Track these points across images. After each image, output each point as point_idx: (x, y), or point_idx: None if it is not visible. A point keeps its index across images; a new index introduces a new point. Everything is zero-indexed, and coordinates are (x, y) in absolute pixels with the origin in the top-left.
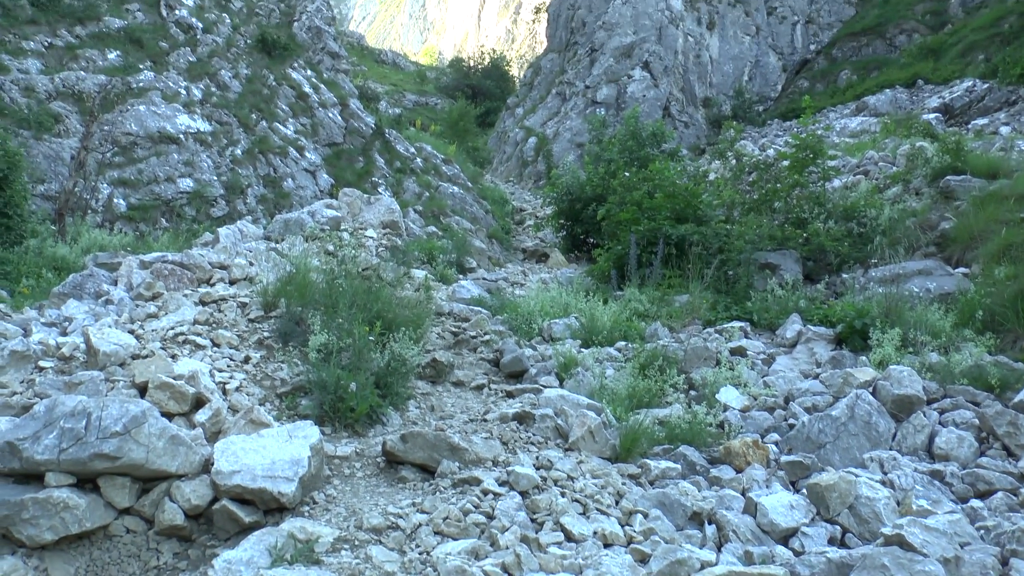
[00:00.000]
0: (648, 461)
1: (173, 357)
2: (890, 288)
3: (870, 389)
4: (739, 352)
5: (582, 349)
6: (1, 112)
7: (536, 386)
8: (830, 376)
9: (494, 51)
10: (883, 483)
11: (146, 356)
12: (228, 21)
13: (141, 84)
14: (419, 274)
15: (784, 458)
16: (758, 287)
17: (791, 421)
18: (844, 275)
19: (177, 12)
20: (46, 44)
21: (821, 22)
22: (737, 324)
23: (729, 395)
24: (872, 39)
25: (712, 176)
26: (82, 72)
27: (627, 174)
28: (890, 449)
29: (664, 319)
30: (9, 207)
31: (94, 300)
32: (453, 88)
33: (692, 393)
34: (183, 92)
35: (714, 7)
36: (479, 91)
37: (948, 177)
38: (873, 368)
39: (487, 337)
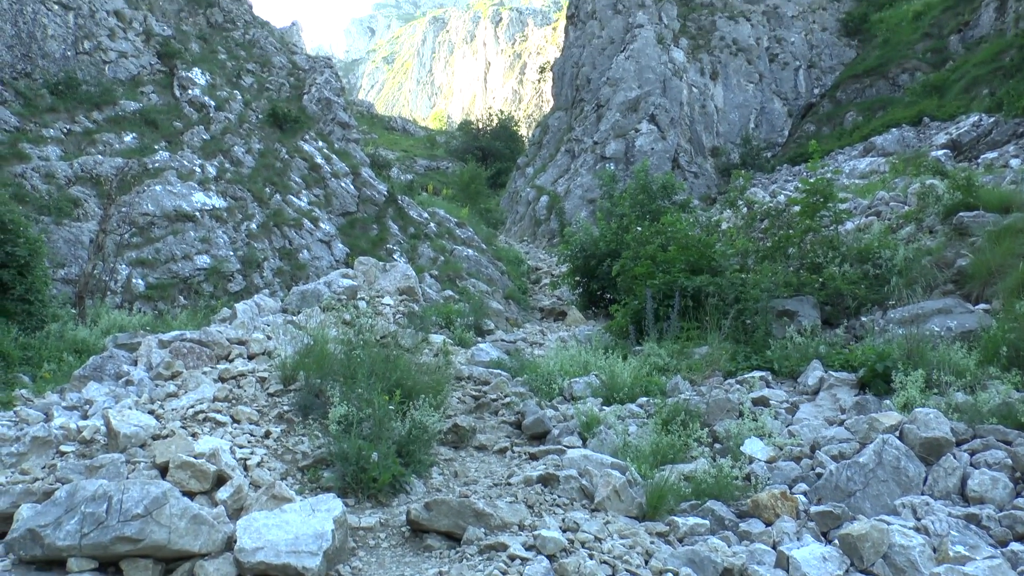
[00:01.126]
0: (676, 518)
1: (194, 435)
2: (910, 329)
3: (896, 433)
4: (762, 402)
5: (604, 407)
6: (23, 199)
7: (559, 447)
8: (855, 422)
9: (502, 112)
10: (917, 530)
11: (166, 436)
12: (239, 98)
13: (157, 164)
14: (437, 339)
15: (814, 508)
16: (777, 335)
17: (818, 470)
18: (863, 318)
19: (190, 92)
20: (65, 130)
21: (823, 66)
22: (758, 374)
23: (754, 446)
24: (875, 79)
25: (724, 225)
26: (99, 156)
27: (640, 228)
28: (922, 494)
29: (684, 372)
30: (31, 293)
31: (114, 381)
32: (463, 151)
33: (717, 446)
34: (198, 170)
35: (716, 57)
36: (489, 152)
37: (961, 213)
38: (898, 412)
39: (508, 399)
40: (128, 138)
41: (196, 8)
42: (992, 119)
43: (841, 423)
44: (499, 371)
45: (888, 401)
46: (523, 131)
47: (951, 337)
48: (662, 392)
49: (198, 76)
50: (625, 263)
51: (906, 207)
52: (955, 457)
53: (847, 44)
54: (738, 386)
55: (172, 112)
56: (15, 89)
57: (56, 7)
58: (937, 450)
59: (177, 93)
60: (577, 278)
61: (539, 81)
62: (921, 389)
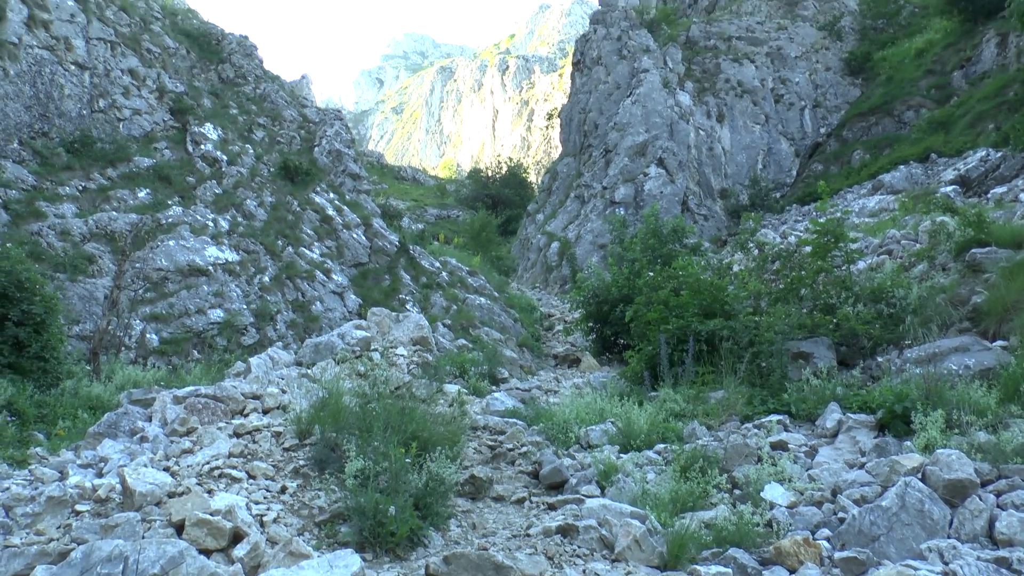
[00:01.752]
0: (698, 567)
1: (209, 492)
2: (927, 368)
3: (919, 475)
4: (780, 446)
5: (621, 454)
6: (39, 257)
7: (578, 496)
8: (876, 465)
9: (511, 159)
10: (945, 574)
11: (182, 493)
12: (251, 151)
13: (170, 219)
14: (452, 389)
15: (837, 554)
16: (793, 377)
17: (841, 515)
18: (879, 358)
19: (202, 147)
20: (80, 188)
21: (828, 105)
22: (775, 417)
23: (774, 492)
24: (880, 117)
25: (736, 268)
26: (114, 212)
27: (651, 274)
28: (948, 537)
29: (701, 417)
30: (46, 350)
31: (129, 438)
32: (473, 199)
33: (736, 492)
34: (211, 224)
35: (722, 99)
36: (499, 200)
37: (973, 250)
38: (919, 453)
39: (524, 449)
40: (142, 194)
41: (208, 64)
42: (999, 154)
43: (861, 466)
44: (515, 420)
45: (908, 442)
46: (532, 178)
47: (969, 376)
48: (679, 438)
49: (210, 131)
50: (638, 308)
51: (917, 245)
52: (981, 499)
53: (851, 83)
54: (755, 430)
55: (185, 167)
56: (32, 148)
57: (73, 67)
58: (962, 492)
59: (190, 148)
60: (590, 324)
61: (547, 127)
62: (942, 429)
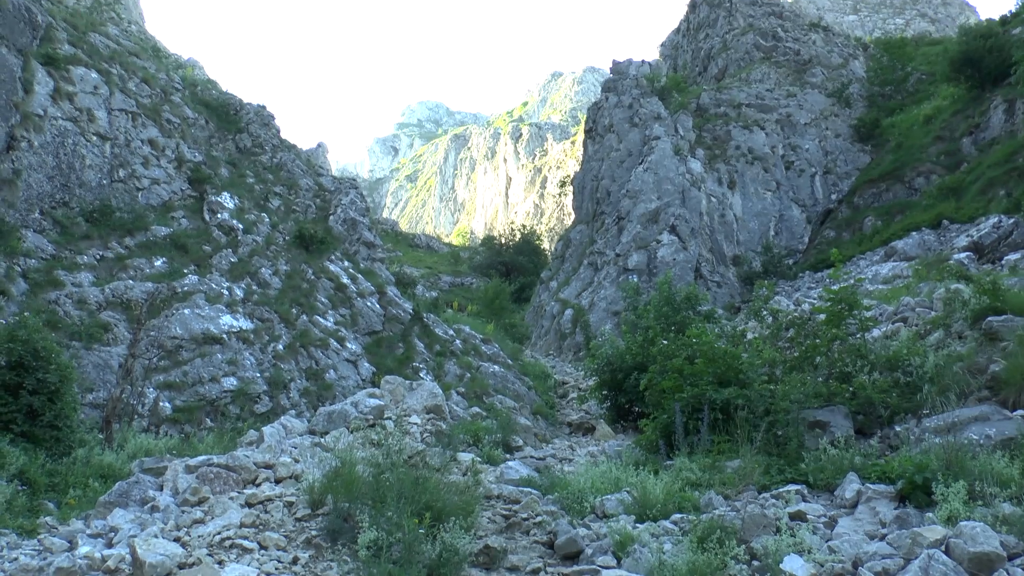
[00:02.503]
0: None
1: (220, 563)
2: (947, 438)
3: (942, 548)
4: (799, 516)
5: (637, 524)
6: (55, 325)
7: (593, 567)
8: (897, 537)
9: (524, 227)
10: None
11: (192, 564)
12: (267, 220)
13: (186, 288)
14: (466, 457)
15: None
16: (810, 446)
17: None
18: (897, 427)
19: (219, 216)
20: (98, 257)
21: (839, 171)
22: (793, 487)
23: (794, 564)
24: (891, 184)
25: (750, 335)
26: (130, 281)
27: (665, 342)
28: None
29: (717, 487)
30: (59, 419)
31: (140, 507)
32: (487, 266)
33: (755, 563)
34: (226, 292)
35: (732, 166)
36: (512, 267)
37: (990, 318)
38: (942, 525)
39: (539, 519)
40: (158, 262)
41: (226, 134)
42: (1012, 220)
43: (882, 538)
44: (529, 489)
45: (930, 514)
46: (545, 245)
47: (991, 445)
48: (696, 508)
49: (227, 200)
50: (652, 377)
51: (932, 312)
52: (1008, 573)
53: (861, 149)
54: (773, 500)
55: (201, 236)
56: (53, 218)
57: (95, 138)
58: (988, 566)
59: (207, 217)
60: (604, 392)
61: (560, 195)
62: (964, 501)
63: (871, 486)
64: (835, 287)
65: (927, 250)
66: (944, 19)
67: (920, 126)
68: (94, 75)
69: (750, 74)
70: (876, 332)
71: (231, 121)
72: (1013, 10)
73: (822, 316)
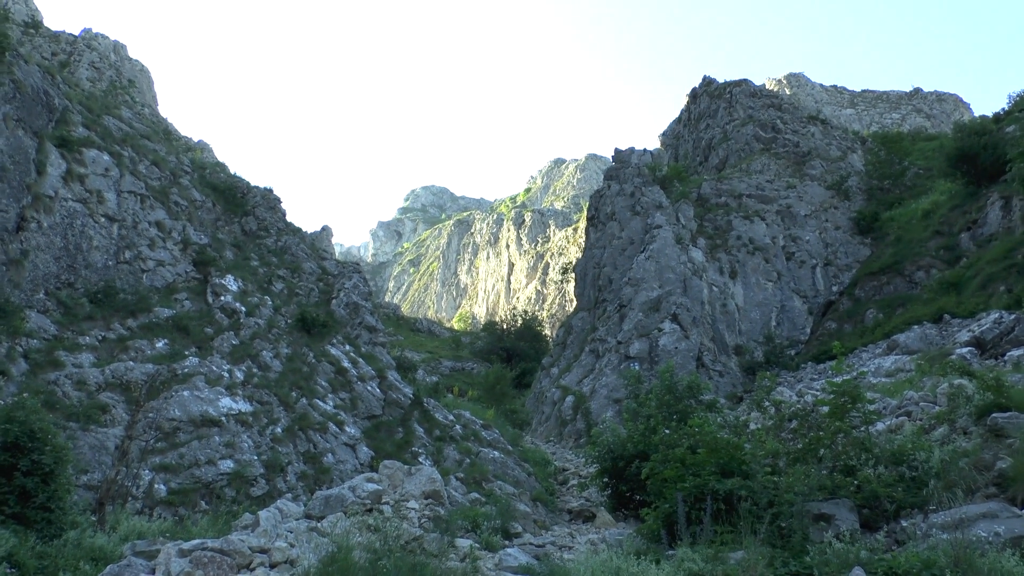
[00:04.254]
0: None
1: None
2: (955, 534)
3: None
4: None
5: None
6: (53, 406)
7: None
8: None
9: (526, 312)
10: None
11: None
12: (270, 303)
13: (186, 370)
14: (464, 543)
15: None
16: (814, 539)
17: None
18: (903, 522)
19: (222, 298)
20: (100, 338)
21: (839, 263)
22: None
23: None
24: (891, 277)
25: (752, 426)
26: (131, 362)
27: (667, 430)
28: None
29: None
30: (52, 500)
31: None
32: (488, 352)
33: None
34: (226, 375)
35: (734, 256)
36: (514, 353)
37: (995, 415)
38: None
39: None
40: (160, 344)
41: (232, 217)
42: (1013, 316)
43: None
44: None
45: None
46: (547, 331)
47: (1000, 543)
48: None
49: (231, 283)
50: (654, 466)
51: (937, 407)
52: None
53: (860, 242)
54: None
55: (204, 318)
56: (57, 299)
57: (103, 219)
58: None
59: (210, 299)
60: (606, 479)
61: (562, 281)
62: None
63: None
64: (838, 379)
65: (929, 344)
66: (939, 115)
67: (919, 220)
68: (106, 157)
69: (750, 165)
70: (880, 426)
71: (238, 204)
72: (1006, 108)
73: (825, 408)
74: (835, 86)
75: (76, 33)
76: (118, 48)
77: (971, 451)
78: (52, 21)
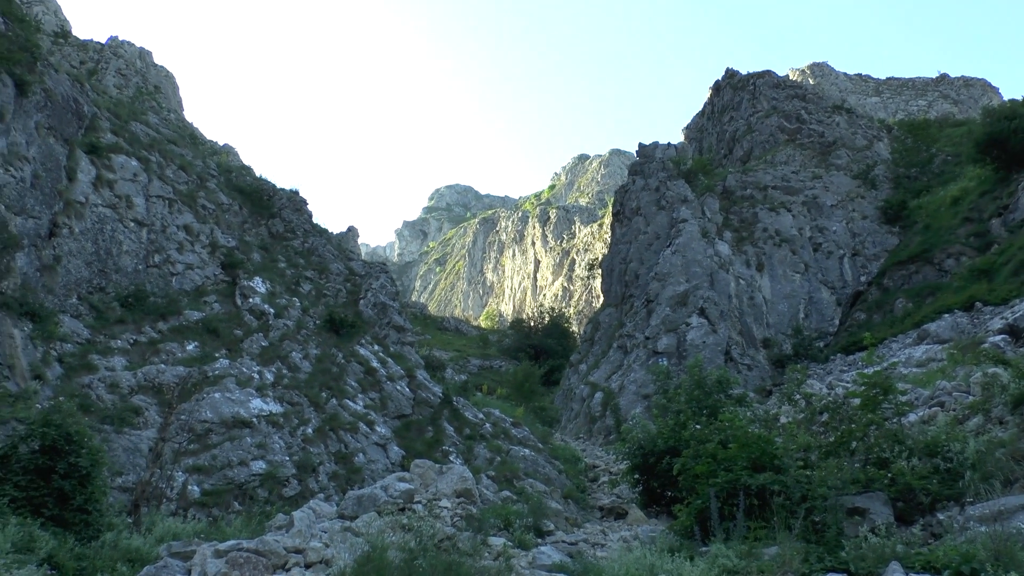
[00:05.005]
0: None
1: None
2: (994, 527)
3: None
4: None
5: None
6: (88, 409)
7: None
8: None
9: (553, 310)
10: None
11: None
12: (298, 304)
13: (217, 372)
14: (497, 542)
15: None
16: (849, 534)
17: None
18: (940, 515)
19: (251, 300)
20: (131, 341)
21: (867, 253)
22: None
23: None
24: (920, 265)
25: (783, 420)
26: (162, 365)
27: (697, 426)
28: None
29: (755, 575)
30: (89, 503)
31: None
32: (516, 349)
33: None
34: (256, 376)
35: (760, 248)
36: (541, 350)
37: None
38: None
39: None
40: (190, 347)
41: (259, 219)
42: None
43: None
44: (562, 575)
45: None
46: (574, 328)
47: None
48: None
49: (259, 285)
50: (686, 462)
51: (970, 397)
52: None
53: (888, 231)
54: None
55: (233, 320)
56: (89, 303)
57: (132, 224)
58: None
59: (239, 301)
60: (636, 476)
61: (588, 277)
62: None
63: None
64: (869, 371)
65: (960, 332)
66: (966, 100)
67: (947, 207)
68: (134, 163)
69: (775, 156)
70: (912, 417)
71: (264, 206)
72: None
73: (857, 400)
74: (860, 74)
75: (103, 41)
76: (144, 55)
77: (1008, 441)
78: (80, 30)
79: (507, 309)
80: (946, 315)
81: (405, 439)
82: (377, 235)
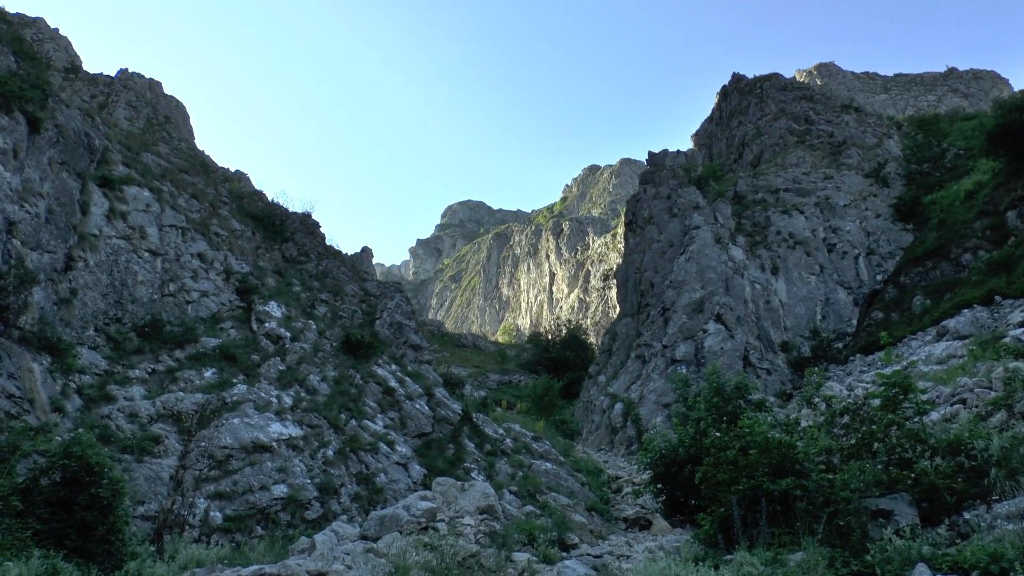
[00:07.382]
0: None
1: None
2: (1022, 524)
3: None
4: None
5: None
6: (108, 439)
7: None
8: None
9: (570, 322)
10: None
11: None
12: (314, 327)
13: (235, 397)
14: (521, 557)
15: None
16: (874, 537)
17: None
18: (966, 514)
19: (267, 325)
20: (149, 370)
21: (882, 252)
22: None
23: None
24: (937, 261)
25: (804, 423)
26: (181, 392)
27: (718, 433)
28: None
29: None
30: (112, 533)
31: None
32: (534, 363)
33: None
34: (274, 400)
35: (775, 252)
36: (560, 363)
37: None
38: None
39: None
40: (208, 373)
41: (272, 244)
42: None
43: None
44: None
45: None
46: (592, 339)
47: None
48: None
49: (274, 309)
50: (707, 469)
51: (993, 393)
52: None
53: (902, 228)
54: None
55: (250, 346)
56: (106, 334)
57: (146, 254)
58: None
59: (255, 327)
60: (659, 486)
61: (604, 288)
62: None
63: None
64: (888, 371)
65: (980, 328)
66: (976, 93)
67: (962, 202)
68: (146, 193)
69: (785, 159)
70: (934, 415)
71: (277, 231)
72: None
73: (877, 401)
74: (867, 72)
75: (113, 74)
76: (153, 85)
77: None
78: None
79: (524, 323)
80: (965, 310)
81: (426, 457)
82: (391, 254)
